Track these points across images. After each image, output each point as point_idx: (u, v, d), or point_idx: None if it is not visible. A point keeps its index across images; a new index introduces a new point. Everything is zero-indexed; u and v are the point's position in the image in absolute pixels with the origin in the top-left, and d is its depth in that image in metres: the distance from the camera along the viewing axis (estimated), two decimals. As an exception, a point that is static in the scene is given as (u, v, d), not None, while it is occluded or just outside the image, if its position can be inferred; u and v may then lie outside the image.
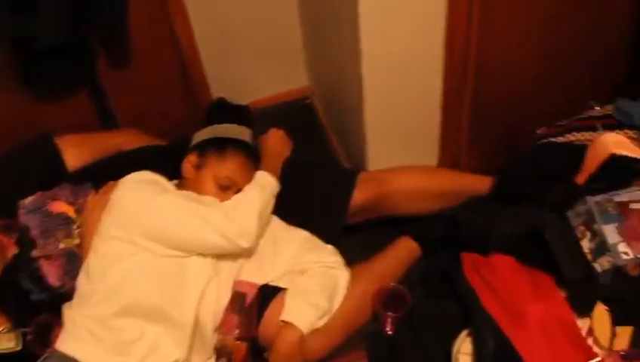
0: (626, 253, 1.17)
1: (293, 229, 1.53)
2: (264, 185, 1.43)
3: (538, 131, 1.68)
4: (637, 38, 1.69)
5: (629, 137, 1.50)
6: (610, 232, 1.21)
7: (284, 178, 1.50)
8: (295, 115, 2.28)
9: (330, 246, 1.53)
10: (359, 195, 1.59)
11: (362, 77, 1.52)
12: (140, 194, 1.33)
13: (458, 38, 1.51)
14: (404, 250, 1.66)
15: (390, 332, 1.44)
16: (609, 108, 1.62)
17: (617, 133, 1.51)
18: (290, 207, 1.52)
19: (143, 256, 1.29)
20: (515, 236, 1.37)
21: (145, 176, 1.38)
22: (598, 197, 1.27)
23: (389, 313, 1.46)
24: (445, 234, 1.61)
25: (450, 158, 1.80)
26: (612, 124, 1.56)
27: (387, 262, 1.63)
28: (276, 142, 1.62)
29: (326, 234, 1.55)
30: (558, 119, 1.70)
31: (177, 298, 1.29)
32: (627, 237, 1.18)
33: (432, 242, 1.65)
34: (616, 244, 1.19)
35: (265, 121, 1.72)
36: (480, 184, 1.66)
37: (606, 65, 1.74)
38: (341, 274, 1.48)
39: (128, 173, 1.38)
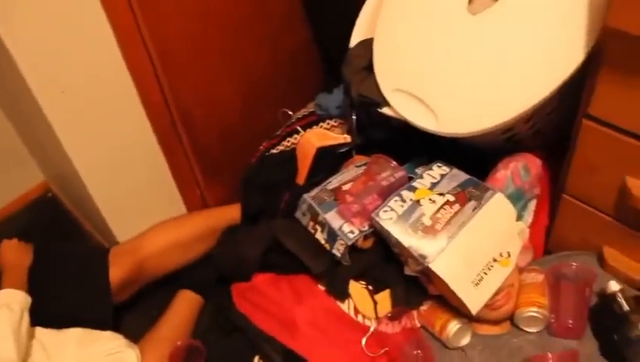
0: (351, 232, 1.26)
1: (63, 332, 1.45)
2: (10, 304, 1.34)
3: (261, 147, 1.75)
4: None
5: (331, 126, 1.62)
6: (333, 218, 1.29)
7: (33, 284, 1.42)
8: (43, 213, 2.18)
9: (107, 332, 1.48)
10: (116, 272, 1.56)
11: (74, 164, 1.51)
12: None
13: (154, 101, 1.57)
14: (184, 304, 1.65)
15: (200, 387, 1.43)
16: (312, 106, 1.74)
17: (318, 127, 1.62)
18: (52, 310, 1.44)
19: None
20: (263, 253, 1.41)
21: None
22: (313, 192, 1.36)
23: (191, 370, 1.44)
24: (214, 273, 1.62)
25: (196, 202, 1.83)
26: (312, 121, 1.67)
27: (172, 322, 1.61)
28: (11, 254, 1.53)
29: (99, 323, 1.50)
30: (275, 130, 1.79)
31: None
32: (347, 217, 1.27)
33: (206, 286, 1.65)
34: (340, 227, 1.26)
35: (11, 233, 1.64)
36: (231, 214, 1.71)
37: (304, 71, 1.87)
38: (128, 356, 1.44)
39: None
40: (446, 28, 1.25)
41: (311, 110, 1.75)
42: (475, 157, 1.40)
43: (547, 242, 1.45)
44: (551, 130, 1.38)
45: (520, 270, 1.31)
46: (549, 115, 1.35)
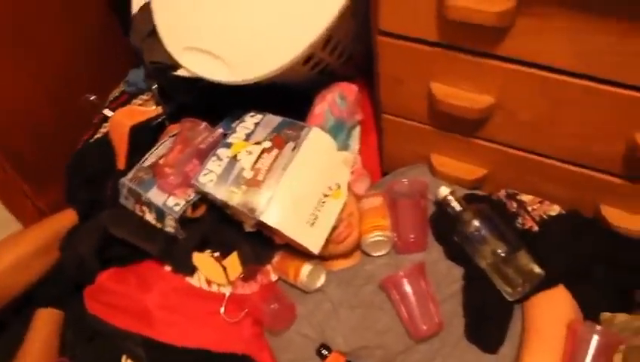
0: (177, 205, 1.20)
1: None
2: None
3: (82, 139, 1.65)
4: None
5: (144, 101, 1.54)
6: (155, 196, 1.23)
7: None
8: None
9: None
10: None
11: None
12: None
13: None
14: (44, 324, 1.55)
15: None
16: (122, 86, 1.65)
17: (131, 105, 1.54)
18: None
19: None
20: (98, 249, 1.33)
21: None
22: (130, 174, 1.29)
23: (66, 388, 1.36)
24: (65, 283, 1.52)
25: (30, 214, 1.70)
26: (125, 100, 1.58)
27: (35, 347, 1.51)
28: None
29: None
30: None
31: None
32: (169, 190, 1.22)
33: (62, 298, 1.55)
34: (165, 203, 1.21)
35: None
36: (68, 217, 1.60)
37: (110, 50, 1.76)
38: None
39: None
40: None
41: (122, 90, 1.65)
42: (299, 99, 1.37)
43: (383, 164, 1.45)
44: (362, 55, 1.37)
45: (359, 197, 1.30)
46: (354, 41, 1.33)
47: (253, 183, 1.16)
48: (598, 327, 1.08)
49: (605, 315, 1.16)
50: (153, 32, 1.27)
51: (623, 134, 1.05)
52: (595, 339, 1.04)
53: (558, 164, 1.18)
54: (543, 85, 1.04)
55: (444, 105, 1.15)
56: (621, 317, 1.14)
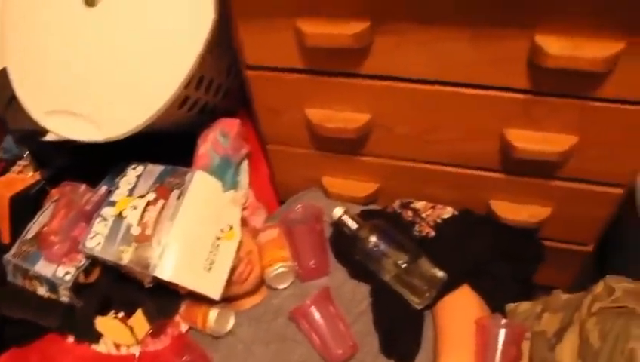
0: (67, 273, 1.16)
1: None
2: None
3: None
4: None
5: (23, 167, 1.48)
6: (43, 268, 1.18)
7: None
8: None
9: None
10: None
11: None
12: None
13: None
14: None
15: None
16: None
17: (10, 173, 1.47)
18: None
19: None
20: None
21: None
22: (13, 249, 1.24)
23: None
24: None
25: None
26: (0, 171, 1.51)
27: None
28: None
29: None
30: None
31: None
32: (56, 260, 1.17)
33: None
34: (54, 274, 1.16)
35: None
36: None
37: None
38: None
39: None
40: (70, 32, 1.16)
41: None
42: (187, 143, 1.34)
43: (277, 192, 1.44)
44: (240, 87, 1.36)
45: (256, 232, 1.29)
46: (229, 75, 1.32)
47: (143, 239, 1.13)
48: (504, 320, 1.10)
49: (510, 306, 1.19)
50: (14, 98, 1.21)
51: (494, 132, 1.08)
52: (502, 332, 1.07)
53: (442, 168, 1.21)
54: (411, 97, 1.07)
55: (321, 129, 1.16)
56: (524, 306, 1.17)
